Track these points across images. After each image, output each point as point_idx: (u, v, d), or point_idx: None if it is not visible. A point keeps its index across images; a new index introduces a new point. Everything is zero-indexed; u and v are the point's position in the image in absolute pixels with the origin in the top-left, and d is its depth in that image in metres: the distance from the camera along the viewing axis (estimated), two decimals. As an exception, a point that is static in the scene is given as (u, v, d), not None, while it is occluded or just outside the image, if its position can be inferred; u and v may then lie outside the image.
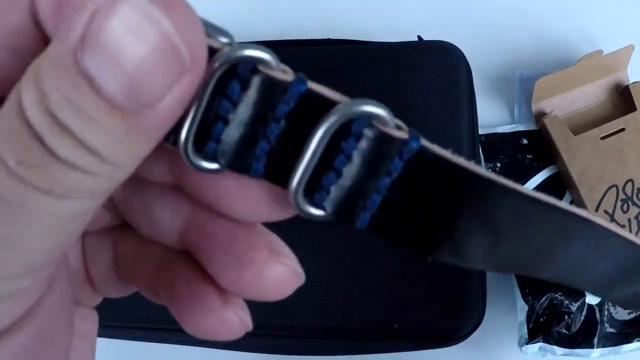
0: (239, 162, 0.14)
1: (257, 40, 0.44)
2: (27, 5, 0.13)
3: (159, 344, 0.41)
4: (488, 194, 0.14)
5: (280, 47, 0.42)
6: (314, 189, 0.14)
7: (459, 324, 0.34)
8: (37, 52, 0.13)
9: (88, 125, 0.11)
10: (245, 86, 0.13)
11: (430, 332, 0.35)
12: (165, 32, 0.11)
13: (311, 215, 0.14)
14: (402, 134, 0.14)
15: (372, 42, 0.42)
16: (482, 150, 0.44)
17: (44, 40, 0.14)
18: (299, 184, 0.14)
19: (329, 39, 0.42)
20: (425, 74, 0.38)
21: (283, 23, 0.51)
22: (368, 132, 0.14)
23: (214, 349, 0.41)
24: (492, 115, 0.46)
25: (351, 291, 0.35)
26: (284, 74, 0.14)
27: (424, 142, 0.14)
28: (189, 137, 0.13)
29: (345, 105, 0.13)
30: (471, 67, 0.39)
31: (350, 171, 0.14)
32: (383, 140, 0.14)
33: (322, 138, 0.13)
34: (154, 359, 0.44)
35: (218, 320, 0.17)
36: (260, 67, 0.13)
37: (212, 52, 0.13)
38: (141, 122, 0.12)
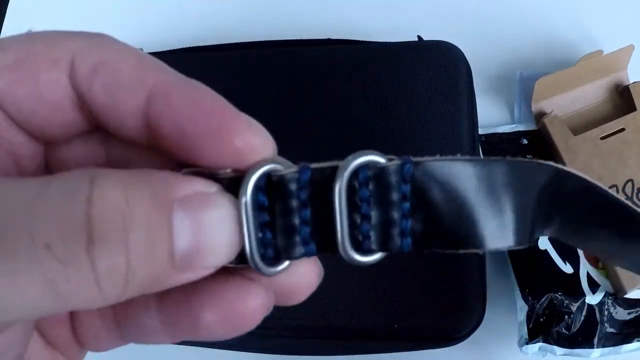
0: (294, 251, 0.17)
1: (257, 40, 0.44)
2: (66, 65, 0.15)
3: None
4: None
5: (280, 47, 0.42)
6: (359, 242, 0.16)
7: (459, 324, 0.34)
8: (68, 111, 0.16)
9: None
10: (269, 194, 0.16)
11: (430, 332, 0.35)
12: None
13: (367, 262, 0.17)
14: (396, 162, 0.16)
15: (372, 42, 0.42)
16: (482, 150, 0.44)
17: (78, 99, 0.16)
18: (343, 241, 0.16)
19: (329, 39, 0.42)
20: (425, 74, 0.38)
21: (283, 23, 0.51)
22: (371, 176, 0.16)
23: (214, 349, 0.41)
24: (492, 115, 0.46)
25: (351, 291, 0.35)
26: (291, 168, 0.16)
27: (415, 159, 0.16)
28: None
29: (345, 164, 0.16)
30: (471, 67, 0.39)
31: (376, 212, 0.16)
32: (385, 175, 0.16)
33: (340, 198, 0.16)
34: (154, 359, 0.44)
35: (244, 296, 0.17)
36: (273, 175, 0.16)
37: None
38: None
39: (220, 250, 0.15)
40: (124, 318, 0.18)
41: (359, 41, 0.42)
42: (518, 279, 0.40)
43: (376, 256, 0.17)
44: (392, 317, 0.34)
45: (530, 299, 0.39)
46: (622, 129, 0.42)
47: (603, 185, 0.20)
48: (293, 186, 0.16)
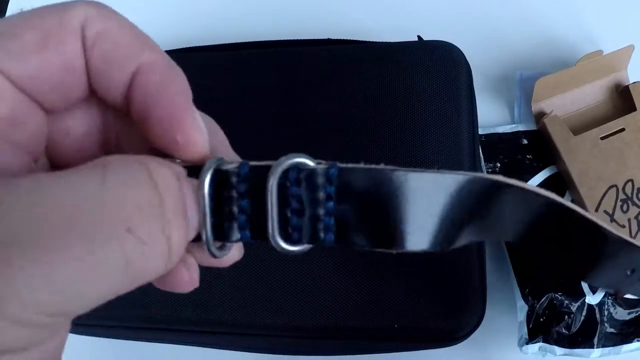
0: (232, 235, 0.19)
1: (257, 40, 0.44)
2: (80, 33, 0.17)
3: (159, 344, 0.41)
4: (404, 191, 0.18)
5: (280, 47, 0.42)
6: (288, 233, 0.18)
7: (459, 324, 0.34)
8: (79, 92, 0.17)
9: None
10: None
11: (430, 332, 0.35)
12: None
13: (294, 252, 0.19)
14: (323, 166, 0.18)
15: (372, 42, 0.42)
16: (482, 150, 0.44)
17: (89, 84, 0.17)
18: (273, 231, 0.18)
19: (329, 39, 0.42)
20: (425, 74, 0.38)
21: (283, 23, 0.51)
22: (302, 177, 0.18)
23: (214, 349, 0.41)
24: (492, 115, 0.46)
25: (351, 291, 0.35)
26: (233, 164, 0.18)
27: (342, 165, 0.18)
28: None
29: (277, 163, 0.18)
30: (471, 67, 0.39)
31: (304, 208, 0.18)
32: (314, 176, 0.18)
33: (271, 193, 0.18)
34: (154, 359, 0.44)
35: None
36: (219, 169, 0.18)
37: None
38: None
39: (194, 228, 0.17)
40: None
41: (359, 41, 0.42)
42: (518, 279, 0.40)
43: (302, 247, 0.19)
44: (392, 317, 0.34)
45: (530, 299, 0.39)
46: (622, 129, 0.42)
47: (552, 195, 0.21)
48: (234, 179, 0.18)
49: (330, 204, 0.18)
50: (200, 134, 0.18)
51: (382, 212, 0.18)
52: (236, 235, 0.19)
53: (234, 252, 0.20)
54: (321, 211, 0.18)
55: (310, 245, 0.19)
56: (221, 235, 0.19)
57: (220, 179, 0.18)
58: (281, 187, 0.18)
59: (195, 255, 0.19)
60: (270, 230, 0.18)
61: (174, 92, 0.17)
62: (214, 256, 0.19)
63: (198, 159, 0.18)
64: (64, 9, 0.16)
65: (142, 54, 0.17)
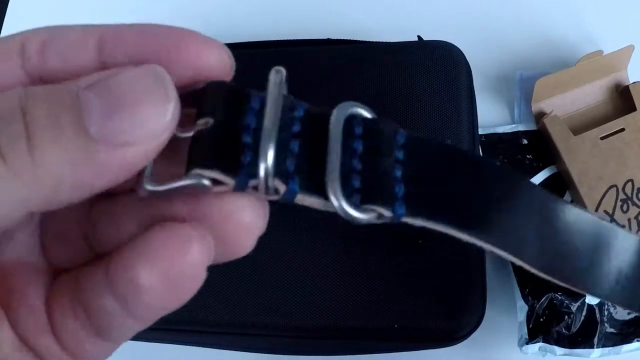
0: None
1: (257, 40, 0.44)
2: (18, 51, 0.16)
3: (158, 344, 0.41)
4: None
5: (280, 47, 0.42)
6: (350, 186, 0.15)
7: (459, 324, 0.34)
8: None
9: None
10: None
11: (430, 332, 0.35)
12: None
13: (359, 219, 0.15)
14: (395, 126, 0.16)
15: (372, 42, 0.42)
16: (482, 150, 0.44)
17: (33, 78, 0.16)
18: (333, 180, 0.15)
19: (329, 39, 0.42)
20: (425, 74, 0.38)
21: (283, 23, 0.51)
22: (365, 129, 0.15)
23: (214, 349, 0.41)
24: (492, 115, 0.46)
25: (351, 291, 0.35)
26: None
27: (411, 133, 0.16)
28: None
29: (339, 110, 0.15)
30: (471, 67, 0.39)
31: (369, 163, 0.15)
32: (380, 130, 0.15)
33: (335, 134, 0.15)
34: (154, 359, 0.44)
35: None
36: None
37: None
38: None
39: (146, 118, 0.14)
40: (86, 304, 0.16)
41: (359, 41, 0.42)
42: (518, 279, 0.40)
43: (367, 215, 0.15)
44: (392, 317, 0.34)
45: (530, 299, 0.39)
46: (622, 129, 0.42)
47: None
48: (287, 118, 0.15)
49: (400, 153, 0.15)
50: (220, 48, 0.16)
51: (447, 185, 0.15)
52: (282, 183, 0.15)
53: (253, 209, 0.16)
54: (389, 166, 0.15)
55: (376, 215, 0.15)
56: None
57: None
58: (344, 140, 0.15)
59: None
60: (330, 182, 0.14)
61: (161, 28, 0.16)
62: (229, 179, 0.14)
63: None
64: (3, 39, 0.16)
65: (97, 29, 0.16)
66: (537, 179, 0.43)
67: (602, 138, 0.42)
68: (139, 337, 0.40)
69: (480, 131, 0.44)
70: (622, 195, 0.41)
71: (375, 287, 0.35)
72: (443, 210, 0.15)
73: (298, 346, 0.38)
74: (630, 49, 0.43)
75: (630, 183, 0.41)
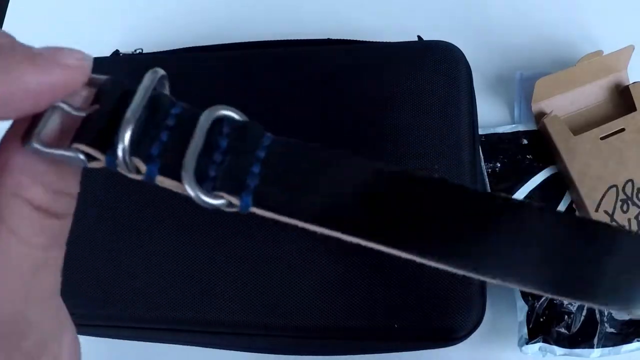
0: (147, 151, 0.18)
1: (257, 40, 0.44)
2: None
3: (158, 344, 0.41)
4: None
5: (280, 47, 0.42)
6: (204, 174, 0.17)
7: (459, 324, 0.34)
8: None
9: None
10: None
11: (431, 332, 0.35)
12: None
13: (209, 204, 0.17)
14: (259, 126, 0.18)
15: (372, 42, 0.42)
16: (482, 150, 0.44)
17: None
18: (188, 167, 0.17)
19: (329, 39, 0.42)
20: (425, 74, 0.38)
21: (283, 23, 0.51)
22: (232, 129, 0.18)
23: (214, 349, 0.41)
24: (492, 115, 0.46)
25: (351, 291, 0.35)
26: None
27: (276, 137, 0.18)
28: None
29: (209, 111, 0.18)
30: (471, 67, 0.39)
31: (228, 158, 0.17)
32: (246, 132, 0.18)
33: (201, 129, 0.17)
34: (154, 359, 0.44)
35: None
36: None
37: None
38: None
39: (72, 54, 0.17)
40: None
41: (359, 41, 0.42)
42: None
43: (217, 200, 0.17)
44: (392, 317, 0.34)
45: (530, 299, 0.39)
46: (622, 129, 0.42)
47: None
48: (166, 108, 0.18)
49: (261, 153, 0.18)
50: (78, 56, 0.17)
51: (300, 180, 0.17)
52: (145, 164, 0.17)
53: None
54: (246, 163, 0.17)
55: (225, 202, 0.18)
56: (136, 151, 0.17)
57: (153, 102, 0.17)
58: (210, 132, 0.17)
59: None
60: (185, 168, 0.17)
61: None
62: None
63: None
64: None
65: None
66: (537, 179, 0.43)
67: (602, 138, 0.42)
68: (139, 337, 0.40)
69: (480, 131, 0.44)
70: (622, 195, 0.41)
71: (376, 287, 0.35)
72: (288, 205, 0.17)
73: (298, 346, 0.38)
74: (630, 49, 0.43)
75: (630, 183, 0.41)
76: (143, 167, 0.17)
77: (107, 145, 0.17)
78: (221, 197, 0.17)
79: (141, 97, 0.17)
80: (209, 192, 0.17)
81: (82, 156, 0.17)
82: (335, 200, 0.17)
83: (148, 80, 0.18)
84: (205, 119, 0.18)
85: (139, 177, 0.18)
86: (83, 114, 0.18)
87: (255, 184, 0.17)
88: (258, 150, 0.18)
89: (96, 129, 0.17)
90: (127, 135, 0.17)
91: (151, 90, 0.18)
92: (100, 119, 0.17)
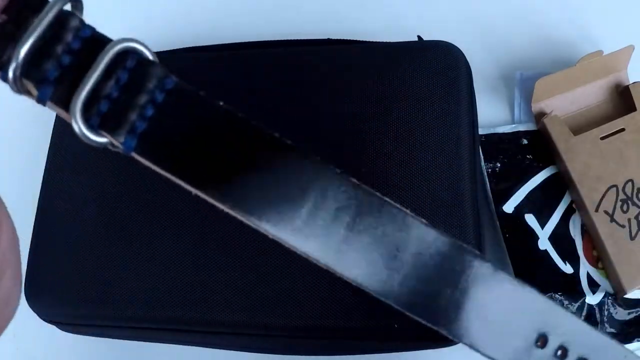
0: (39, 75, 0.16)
1: (256, 40, 0.44)
2: None
3: (158, 344, 0.41)
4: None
5: (280, 47, 0.42)
6: (90, 114, 0.16)
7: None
8: None
9: None
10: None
11: (430, 332, 0.34)
12: None
13: (90, 139, 0.16)
14: (164, 70, 0.17)
15: (372, 42, 0.42)
16: (482, 150, 0.44)
17: None
18: (77, 100, 0.16)
19: (329, 39, 0.42)
20: (425, 74, 0.38)
21: (283, 23, 0.51)
22: (137, 64, 0.16)
23: (213, 349, 0.41)
24: (492, 115, 0.46)
25: (351, 291, 0.35)
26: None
27: (182, 84, 0.16)
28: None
29: (120, 40, 0.16)
30: (471, 67, 0.39)
31: (121, 100, 0.16)
32: (149, 72, 0.16)
33: (102, 63, 0.16)
34: (153, 359, 0.44)
35: None
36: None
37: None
38: None
39: None
40: None
41: (359, 41, 0.42)
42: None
43: (99, 138, 0.16)
44: (392, 317, 0.34)
45: (530, 299, 0.39)
46: (622, 129, 0.42)
47: None
48: (71, 34, 0.16)
49: (159, 95, 0.17)
50: None
51: (198, 145, 0.16)
52: (37, 87, 0.16)
53: None
54: (138, 107, 0.16)
55: (109, 140, 0.17)
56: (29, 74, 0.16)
57: (56, 22, 0.16)
58: (113, 63, 0.16)
59: None
60: (75, 98, 0.16)
61: None
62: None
63: None
64: None
65: None
66: (537, 179, 0.43)
67: (602, 138, 0.42)
68: (138, 337, 0.40)
69: (480, 131, 0.44)
70: (622, 195, 0.41)
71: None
72: (172, 160, 0.16)
73: (298, 346, 0.38)
74: (630, 49, 0.43)
75: (630, 183, 0.41)
76: (34, 90, 0.16)
77: (5, 60, 0.16)
78: (105, 137, 0.17)
79: (50, 11, 0.16)
80: (95, 129, 0.16)
81: None
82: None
83: None
84: (110, 47, 0.16)
85: (31, 97, 0.17)
86: None
87: (143, 129, 0.16)
88: (158, 92, 0.17)
89: None
90: (22, 52, 0.16)
91: (61, 6, 0.16)
92: (4, 31, 0.16)
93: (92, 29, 0.17)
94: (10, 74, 0.16)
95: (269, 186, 0.17)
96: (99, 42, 0.17)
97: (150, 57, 0.17)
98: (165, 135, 0.16)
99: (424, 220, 0.18)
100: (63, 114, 0.17)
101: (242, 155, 0.17)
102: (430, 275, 0.18)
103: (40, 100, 0.16)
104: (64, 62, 0.16)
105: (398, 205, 0.18)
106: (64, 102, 0.16)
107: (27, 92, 0.17)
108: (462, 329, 0.18)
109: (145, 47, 0.17)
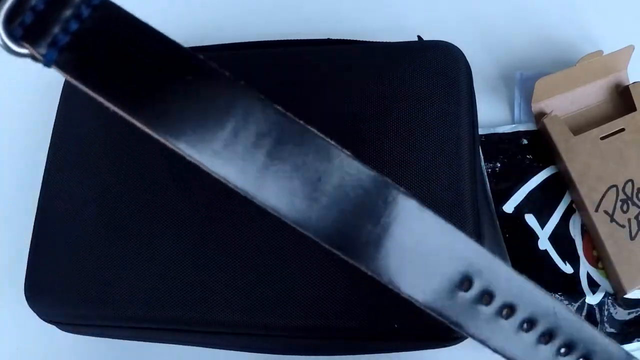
0: None
1: (256, 40, 0.44)
2: None
3: (158, 344, 0.41)
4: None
5: (280, 47, 0.42)
6: (14, 24, 0.16)
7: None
8: None
9: None
10: None
11: (430, 332, 0.35)
12: None
13: (12, 50, 0.16)
14: None
15: (372, 42, 0.42)
16: (482, 150, 0.44)
17: None
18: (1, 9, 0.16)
19: (329, 39, 0.42)
20: (425, 74, 0.38)
21: (283, 23, 0.51)
22: None
23: (213, 349, 0.41)
24: (492, 115, 0.46)
25: (351, 291, 0.35)
26: None
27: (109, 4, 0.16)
28: None
29: None
30: (471, 67, 0.39)
31: (48, 7, 0.16)
32: None
33: None
34: (153, 359, 0.44)
35: None
36: None
37: None
38: None
39: None
40: None
41: (359, 41, 0.42)
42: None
43: (22, 49, 0.16)
44: (392, 317, 0.34)
45: (530, 299, 0.39)
46: (622, 129, 0.42)
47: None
48: None
49: (86, 10, 0.16)
50: None
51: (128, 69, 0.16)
52: None
53: None
54: (62, 21, 0.16)
55: (30, 52, 0.16)
56: None
57: None
58: None
59: None
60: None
61: None
62: None
63: None
64: None
65: None
66: (537, 179, 0.43)
67: (602, 138, 0.42)
68: (138, 337, 0.40)
69: (480, 131, 0.44)
70: (622, 195, 0.41)
71: (376, 287, 0.35)
72: (92, 75, 0.16)
73: (298, 346, 0.38)
74: (630, 49, 0.43)
75: (630, 183, 0.41)
76: None
77: None
78: (27, 49, 0.17)
79: None
80: (16, 39, 0.16)
81: None
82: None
83: None
84: None
85: None
86: None
87: (65, 42, 0.16)
88: (85, 7, 0.16)
89: None
90: None
91: None
92: None
93: None
94: None
95: (189, 107, 0.17)
96: None
97: None
98: (87, 50, 0.16)
99: (349, 153, 0.17)
100: None
101: (165, 75, 0.17)
102: (351, 208, 0.17)
103: None
104: None
105: (322, 136, 0.18)
106: None
107: None
108: (381, 266, 0.19)
109: None
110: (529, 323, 0.19)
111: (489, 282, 0.19)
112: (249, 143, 0.17)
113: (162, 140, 0.17)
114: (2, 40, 0.16)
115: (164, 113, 0.16)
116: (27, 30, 0.16)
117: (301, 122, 0.18)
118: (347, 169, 0.17)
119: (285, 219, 0.18)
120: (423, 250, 0.18)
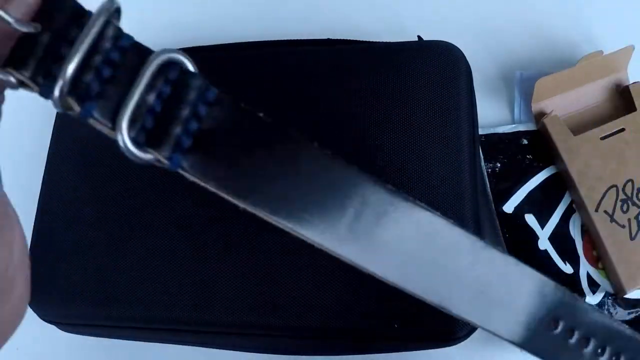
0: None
1: (256, 40, 0.44)
2: None
3: (157, 344, 0.41)
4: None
5: (280, 47, 0.42)
6: (137, 130, 0.15)
7: (459, 324, 0.34)
8: None
9: None
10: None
11: (430, 332, 0.35)
12: None
13: (137, 157, 0.16)
14: (205, 82, 0.16)
15: (372, 42, 0.42)
16: (482, 150, 0.44)
17: None
18: (123, 115, 0.15)
19: (328, 39, 0.42)
20: (425, 74, 0.38)
21: (283, 23, 0.51)
22: (177, 75, 0.16)
23: (213, 349, 0.41)
24: (492, 115, 0.46)
25: (351, 292, 0.35)
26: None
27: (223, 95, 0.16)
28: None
29: (162, 51, 0.16)
30: (471, 67, 0.39)
31: (166, 109, 0.16)
32: (191, 85, 0.16)
33: (145, 76, 0.15)
34: (153, 359, 0.44)
35: None
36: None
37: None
38: None
39: None
40: None
41: (359, 41, 0.42)
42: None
43: (146, 154, 0.16)
44: (392, 317, 0.34)
45: (530, 299, 0.39)
46: (622, 129, 0.42)
47: None
48: (109, 43, 0.15)
49: (202, 108, 0.16)
50: None
51: (244, 163, 0.16)
52: (79, 103, 0.15)
53: None
54: (182, 121, 0.16)
55: (155, 157, 0.16)
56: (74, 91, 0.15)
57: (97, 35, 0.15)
58: (156, 76, 0.16)
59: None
60: (121, 115, 0.15)
61: None
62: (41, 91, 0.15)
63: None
64: None
65: None
66: (537, 179, 0.43)
67: (602, 138, 0.42)
68: (139, 337, 0.40)
69: (480, 131, 0.44)
70: (622, 195, 0.41)
71: (376, 287, 0.35)
72: (219, 175, 0.16)
73: (298, 346, 0.38)
74: (630, 49, 0.43)
75: (630, 183, 0.41)
76: (77, 107, 0.16)
77: (46, 74, 0.15)
78: (152, 154, 0.16)
79: (96, 25, 0.15)
80: (141, 145, 0.16)
81: (13, 79, 0.16)
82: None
83: (108, 2, 0.16)
84: (153, 59, 0.16)
85: (70, 113, 0.16)
86: (22, 29, 0.15)
87: (188, 144, 0.16)
88: (201, 104, 0.16)
89: (36, 55, 0.15)
90: (70, 70, 0.15)
91: (108, 17, 0.15)
92: (41, 42, 0.15)
93: (131, 38, 0.16)
94: (57, 93, 0.15)
95: (310, 193, 0.17)
96: (139, 52, 0.16)
97: (191, 68, 0.16)
98: (210, 150, 0.16)
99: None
100: (105, 130, 0.16)
101: (284, 164, 0.17)
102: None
103: (83, 117, 0.16)
104: (104, 75, 0.15)
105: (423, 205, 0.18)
106: (108, 118, 0.16)
107: (69, 108, 0.16)
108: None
109: (187, 57, 0.16)
110: (602, 348, 0.22)
111: (573, 321, 0.22)
112: (369, 224, 0.18)
113: (287, 228, 0.17)
114: (128, 148, 0.15)
115: (286, 200, 0.17)
116: (150, 135, 0.16)
117: (404, 194, 0.18)
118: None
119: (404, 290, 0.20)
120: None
